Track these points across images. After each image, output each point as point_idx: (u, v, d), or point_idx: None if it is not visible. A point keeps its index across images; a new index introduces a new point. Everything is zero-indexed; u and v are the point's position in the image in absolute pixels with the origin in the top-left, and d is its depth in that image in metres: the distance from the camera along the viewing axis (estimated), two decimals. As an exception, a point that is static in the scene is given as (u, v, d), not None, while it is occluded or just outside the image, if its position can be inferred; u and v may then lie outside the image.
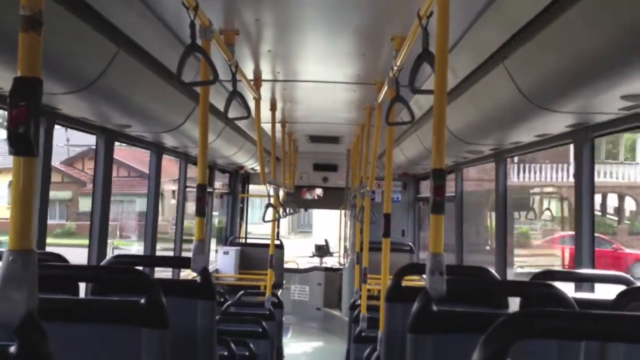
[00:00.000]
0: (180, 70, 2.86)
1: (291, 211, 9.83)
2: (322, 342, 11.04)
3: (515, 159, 23.28)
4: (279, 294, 8.66)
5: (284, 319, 8.85)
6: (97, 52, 3.24)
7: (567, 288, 3.88)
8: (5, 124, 1.44)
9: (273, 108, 6.57)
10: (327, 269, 12.53)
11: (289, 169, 9.70)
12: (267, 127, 7.09)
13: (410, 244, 10.48)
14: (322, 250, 13.88)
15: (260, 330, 5.66)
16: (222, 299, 6.62)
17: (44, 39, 2.71)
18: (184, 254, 6.42)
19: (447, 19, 2.45)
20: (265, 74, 5.28)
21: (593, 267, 4.22)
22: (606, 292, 3.10)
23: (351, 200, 9.14)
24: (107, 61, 3.31)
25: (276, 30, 4.07)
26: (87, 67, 3.25)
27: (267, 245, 6.88)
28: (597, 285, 3.98)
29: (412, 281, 7.54)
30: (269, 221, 6.55)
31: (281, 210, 7.81)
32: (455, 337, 2.24)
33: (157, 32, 3.81)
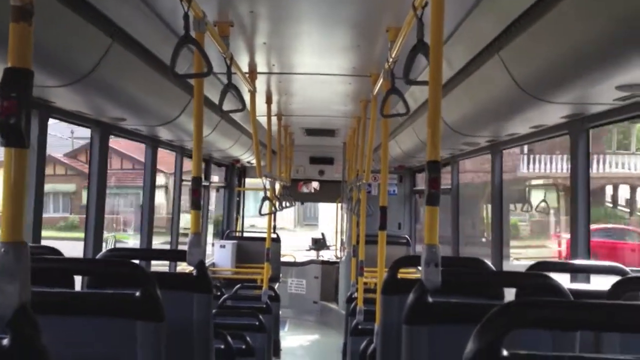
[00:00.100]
0: (174, 62, 2.85)
1: (287, 204, 9.83)
2: (319, 335, 11.06)
3: (525, 149, 23.10)
4: (275, 287, 8.67)
5: (281, 312, 8.87)
6: (91, 45, 3.23)
7: (563, 280, 3.90)
8: None
9: (269, 101, 6.56)
10: (324, 262, 12.54)
11: (285, 162, 9.69)
12: (263, 120, 7.08)
13: (406, 236, 10.48)
14: (319, 244, 13.89)
15: (257, 323, 5.67)
16: (219, 293, 6.63)
17: (37, 31, 2.69)
18: (182, 248, 6.43)
19: (442, 10, 2.44)
20: (261, 67, 5.27)
21: (588, 258, 4.23)
22: (602, 283, 3.10)
23: (347, 193, 9.15)
24: (100, 54, 3.30)
25: (271, 22, 4.05)
26: (80, 59, 3.23)
27: (263, 239, 6.88)
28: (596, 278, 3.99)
29: (408, 273, 7.55)
30: (265, 214, 6.55)
31: (277, 203, 7.81)
32: (451, 328, 2.25)
33: (151, 24, 3.79)
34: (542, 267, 3.12)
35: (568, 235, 4.39)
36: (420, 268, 2.41)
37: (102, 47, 3.28)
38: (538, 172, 23.84)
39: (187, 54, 3.61)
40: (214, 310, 5.50)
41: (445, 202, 7.70)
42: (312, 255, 13.70)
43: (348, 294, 7.75)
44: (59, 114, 4.27)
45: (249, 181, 12.51)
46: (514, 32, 3.16)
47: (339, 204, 12.65)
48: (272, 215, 7.52)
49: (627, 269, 3.16)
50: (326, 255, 13.60)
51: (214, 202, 11.32)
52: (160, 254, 4.79)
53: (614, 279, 2.63)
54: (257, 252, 9.60)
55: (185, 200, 7.85)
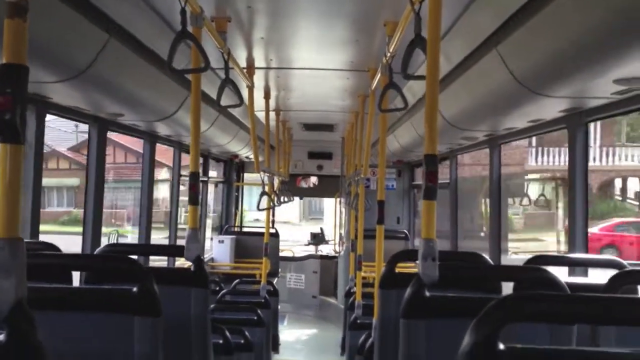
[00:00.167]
0: (171, 57, 2.85)
1: (286, 199, 9.83)
2: (318, 329, 11.08)
3: (533, 142, 22.92)
4: (274, 282, 8.68)
5: (279, 307, 8.89)
6: (88, 40, 3.22)
7: (562, 273, 3.90)
8: None
9: (267, 96, 6.55)
10: (322, 257, 12.54)
11: (283, 157, 9.68)
12: (261, 115, 7.08)
13: (405, 231, 10.49)
14: (318, 239, 13.89)
15: (255, 318, 5.67)
16: (218, 288, 6.64)
17: (34, 27, 2.68)
18: (182, 243, 6.41)
19: (440, 4, 2.44)
20: (258, 62, 5.26)
21: (586, 251, 4.24)
22: (601, 277, 3.10)
23: (346, 188, 9.15)
24: (97, 49, 3.29)
25: (268, 17, 4.04)
26: (77, 55, 3.23)
27: (262, 234, 6.89)
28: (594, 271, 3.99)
29: (407, 268, 7.56)
30: (263, 209, 6.55)
31: (276, 198, 7.81)
32: (448, 322, 2.25)
33: (148, 19, 3.78)
34: (539, 260, 3.12)
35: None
36: (418, 262, 2.41)
37: (99, 42, 3.28)
38: (547, 165, 23.64)
39: (185, 49, 3.60)
40: (212, 305, 5.52)
41: (444, 197, 7.71)
42: (311, 250, 13.70)
43: (347, 288, 7.77)
44: (57, 109, 4.26)
45: (248, 176, 12.51)
46: (511, 26, 3.15)
47: (338, 199, 12.65)
48: (272, 210, 7.53)
49: (625, 262, 3.16)
50: (325, 249, 13.60)
51: (212, 197, 11.32)
52: (158, 250, 4.79)
53: (612, 272, 2.63)
54: (255, 247, 9.60)
55: (185, 195, 7.82)
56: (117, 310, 2.23)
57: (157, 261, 7.36)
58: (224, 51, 3.92)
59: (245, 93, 5.30)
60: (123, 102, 4.37)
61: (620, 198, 23.99)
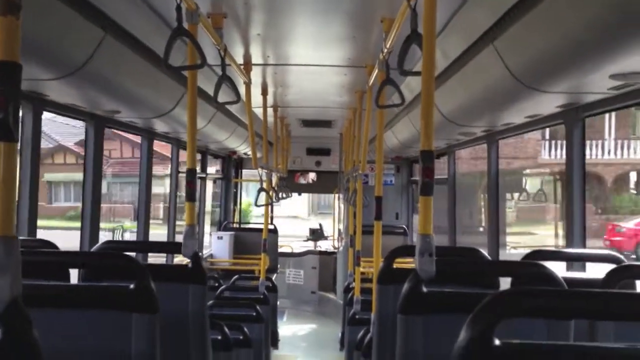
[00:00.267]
0: (167, 54, 2.84)
1: (284, 196, 9.83)
2: (317, 325, 11.09)
3: (547, 135, 22.74)
4: (273, 278, 8.68)
5: (279, 302, 8.89)
6: (84, 38, 3.21)
7: (560, 268, 3.91)
8: None
9: (264, 92, 6.55)
10: (321, 253, 12.56)
11: (281, 153, 9.68)
12: (259, 111, 7.07)
13: (403, 226, 10.50)
14: (317, 234, 13.90)
15: (254, 314, 5.68)
16: (217, 284, 6.64)
17: (29, 25, 2.68)
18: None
19: (435, 0, 2.44)
20: (256, 58, 5.25)
21: (584, 246, 4.24)
22: (600, 271, 3.10)
23: (344, 184, 9.15)
24: (93, 46, 3.28)
25: (265, 13, 4.04)
26: (73, 52, 3.22)
27: (261, 230, 6.89)
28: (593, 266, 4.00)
29: (405, 263, 7.57)
30: (261, 205, 6.55)
31: (274, 194, 7.81)
32: (445, 317, 2.25)
33: (144, 16, 3.78)
34: (537, 255, 3.13)
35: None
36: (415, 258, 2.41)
37: (95, 39, 3.27)
38: (560, 159, 23.44)
39: (181, 46, 3.60)
40: (211, 302, 5.53)
41: (443, 193, 7.72)
42: (310, 245, 13.71)
43: (345, 284, 7.77)
44: (53, 107, 4.26)
45: (247, 173, 12.51)
46: (508, 21, 3.15)
47: (336, 195, 12.65)
48: (271, 207, 7.53)
49: (622, 257, 3.16)
50: (324, 245, 13.62)
51: (210, 193, 11.33)
52: (156, 246, 4.79)
53: (610, 267, 2.63)
54: (254, 243, 9.61)
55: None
56: (114, 308, 2.24)
57: (157, 257, 7.37)
58: (220, 48, 3.92)
59: (242, 90, 5.29)
60: (120, 99, 4.37)
61: (635, 192, 23.82)
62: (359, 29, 4.37)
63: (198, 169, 9.26)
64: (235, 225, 11.70)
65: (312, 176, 12.85)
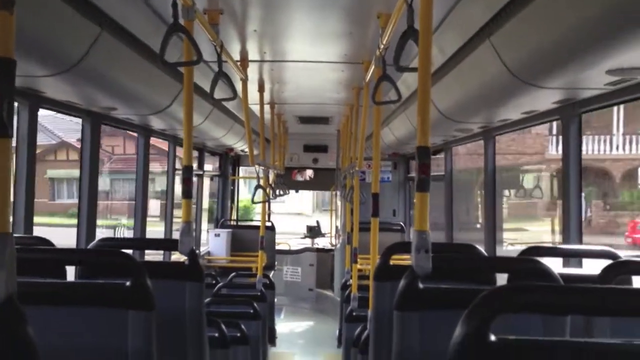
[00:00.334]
0: (163, 50, 2.83)
1: (281, 193, 9.83)
2: (314, 322, 11.10)
3: (554, 130, 22.55)
4: (271, 275, 8.69)
5: (276, 300, 8.89)
6: (80, 34, 3.20)
7: (557, 264, 3.91)
8: None
9: (261, 89, 6.54)
10: (319, 250, 12.56)
11: (278, 150, 9.67)
12: (256, 108, 7.06)
13: (401, 223, 10.50)
14: (314, 232, 13.90)
15: (251, 311, 5.68)
16: (214, 281, 6.64)
17: (25, 21, 2.67)
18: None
19: None
20: (252, 55, 5.24)
21: (581, 242, 4.24)
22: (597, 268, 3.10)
23: (342, 181, 9.14)
24: (89, 43, 3.27)
25: (261, 9, 4.03)
26: (69, 49, 3.21)
27: (258, 227, 6.89)
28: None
29: (402, 260, 7.58)
30: (258, 202, 6.55)
31: (271, 192, 7.81)
32: (441, 314, 2.25)
33: (140, 12, 3.77)
34: (533, 251, 3.13)
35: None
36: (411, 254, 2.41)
37: (91, 36, 3.26)
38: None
39: (178, 42, 3.59)
40: (208, 299, 5.53)
41: (442, 189, 7.72)
42: (308, 243, 13.71)
43: (343, 281, 7.77)
44: (50, 104, 4.25)
45: (244, 170, 12.51)
46: (504, 17, 3.15)
47: (334, 192, 12.65)
48: (268, 204, 7.52)
49: (619, 253, 3.17)
50: (321, 242, 13.62)
51: (207, 190, 11.32)
52: (152, 243, 4.79)
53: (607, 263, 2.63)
54: (251, 240, 9.60)
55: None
56: (110, 305, 2.23)
57: (157, 255, 7.37)
58: (216, 44, 3.91)
59: (239, 86, 5.28)
60: (116, 96, 4.36)
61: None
62: (355, 25, 4.36)
63: (195, 166, 9.26)
64: (232, 222, 11.70)
65: (309, 173, 12.84)
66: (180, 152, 7.40)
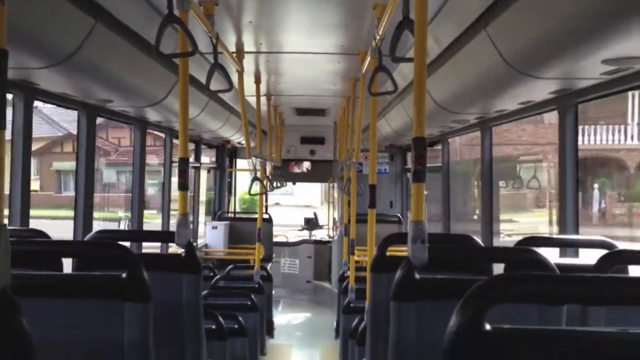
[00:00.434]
0: (158, 41, 2.82)
1: (278, 185, 9.82)
2: (312, 313, 11.12)
3: None
4: (268, 267, 8.70)
5: (274, 292, 8.91)
6: (74, 26, 3.19)
7: (553, 255, 3.92)
8: None
9: (257, 81, 6.52)
10: (316, 242, 12.55)
11: (275, 142, 9.66)
12: (252, 100, 7.05)
13: (398, 214, 10.51)
14: (311, 224, 13.90)
15: (249, 303, 5.69)
16: (212, 274, 6.65)
17: (19, 12, 2.65)
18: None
19: None
20: (248, 46, 5.23)
21: (577, 232, 4.25)
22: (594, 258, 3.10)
23: (339, 172, 9.14)
24: (84, 35, 3.26)
25: (256, 0, 4.01)
26: (63, 40, 3.20)
27: (256, 219, 6.90)
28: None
29: (400, 251, 7.59)
30: (255, 194, 6.55)
31: (268, 184, 7.80)
32: (438, 304, 2.25)
33: (135, 4, 3.75)
34: (530, 242, 3.13)
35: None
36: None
37: (85, 27, 3.25)
38: (581, 145, 22.63)
39: (174, 34, 3.57)
40: (206, 291, 5.53)
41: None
42: (305, 235, 13.72)
43: (340, 272, 7.78)
44: (45, 96, 4.24)
45: (241, 162, 12.50)
46: (500, 7, 3.14)
47: (331, 184, 12.65)
48: (265, 196, 7.53)
49: (616, 243, 3.17)
50: (319, 234, 13.63)
51: (205, 183, 11.32)
52: (149, 236, 4.79)
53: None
54: (249, 232, 9.61)
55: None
56: (106, 297, 2.23)
57: (157, 248, 7.36)
58: (212, 35, 3.89)
59: (235, 78, 5.27)
60: (111, 88, 4.34)
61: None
62: (351, 16, 4.35)
63: (192, 158, 9.25)
64: (230, 214, 11.70)
65: (306, 165, 12.83)
66: (177, 144, 7.41)
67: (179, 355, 3.08)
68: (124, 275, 2.24)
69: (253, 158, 6.16)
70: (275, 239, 11.67)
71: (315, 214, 14.36)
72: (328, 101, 8.56)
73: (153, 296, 2.24)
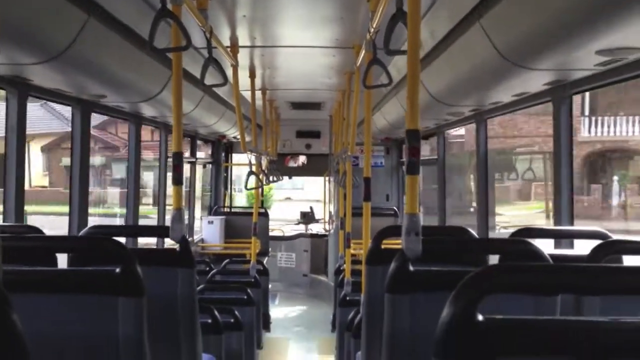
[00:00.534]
0: (152, 36, 2.80)
1: (274, 179, 9.82)
2: (309, 307, 11.14)
3: (586, 111, 21.96)
4: (265, 261, 8.70)
5: (271, 286, 8.91)
6: (66, 21, 3.18)
7: (548, 246, 3.92)
8: None
9: (252, 75, 6.51)
10: (312, 236, 12.57)
11: (271, 136, 9.65)
12: (247, 94, 7.04)
13: (394, 207, 10.52)
14: (307, 217, 13.91)
15: (245, 297, 5.70)
16: (208, 268, 6.65)
17: (11, 8, 2.64)
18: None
19: None
20: (242, 40, 5.21)
21: (572, 224, 4.26)
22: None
23: (334, 166, 9.14)
24: (77, 30, 3.25)
25: None
26: (56, 36, 3.19)
27: (251, 214, 6.90)
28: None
29: (395, 244, 7.58)
30: (251, 189, 6.54)
31: (264, 178, 7.80)
32: (432, 296, 2.26)
33: None
34: (524, 233, 3.14)
35: None
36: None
37: (78, 22, 3.23)
38: (601, 136, 21.78)
39: (167, 29, 3.56)
40: (202, 285, 5.54)
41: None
42: (301, 229, 13.73)
43: (336, 266, 7.79)
44: (39, 92, 4.22)
45: (238, 156, 12.50)
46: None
47: (327, 177, 12.66)
48: (261, 190, 7.52)
49: (610, 233, 3.18)
50: (315, 228, 13.64)
51: (200, 178, 11.32)
52: (144, 231, 4.79)
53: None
54: (245, 227, 9.62)
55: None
56: (100, 292, 2.23)
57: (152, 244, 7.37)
58: (206, 29, 3.88)
59: (229, 72, 5.25)
60: (105, 83, 4.33)
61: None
62: (345, 9, 4.34)
63: (187, 153, 9.25)
64: (226, 209, 11.70)
65: (302, 159, 12.83)
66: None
67: (174, 350, 3.09)
68: (117, 270, 2.24)
69: (248, 152, 6.15)
70: (271, 233, 11.68)
71: (311, 207, 14.36)
72: (323, 95, 8.55)
73: (146, 291, 2.23)
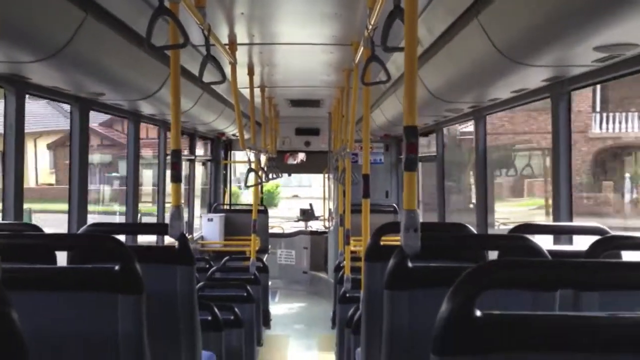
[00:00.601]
0: (149, 34, 2.80)
1: (274, 176, 9.83)
2: (309, 304, 11.15)
3: (597, 107, 21.75)
4: (265, 258, 8.71)
5: (271, 283, 8.92)
6: (64, 19, 3.18)
7: (547, 242, 3.93)
8: None
9: (250, 72, 6.51)
10: (312, 233, 12.58)
11: (270, 134, 9.66)
12: (246, 92, 7.04)
13: (393, 204, 10.52)
14: (307, 215, 13.91)
15: (245, 294, 5.70)
16: (208, 265, 6.66)
17: (9, 6, 2.64)
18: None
19: None
20: (241, 38, 5.21)
21: (571, 220, 4.26)
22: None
23: (334, 163, 9.15)
24: (74, 28, 3.25)
25: None
26: (54, 34, 3.19)
27: (251, 211, 6.90)
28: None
29: (394, 241, 7.59)
30: (250, 186, 6.55)
31: (263, 175, 7.81)
32: (430, 292, 2.26)
33: None
34: (523, 229, 3.14)
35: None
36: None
37: (76, 20, 3.23)
38: (612, 133, 21.66)
39: (165, 26, 3.56)
40: (202, 283, 5.54)
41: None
42: (301, 226, 13.73)
43: (336, 262, 7.80)
44: (37, 90, 4.22)
45: (238, 154, 12.51)
46: (491, -5, 3.13)
47: (326, 175, 12.66)
48: (260, 187, 7.53)
49: (608, 229, 3.18)
50: (315, 225, 13.64)
51: (200, 175, 11.32)
52: (143, 228, 4.79)
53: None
54: (245, 224, 9.62)
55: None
56: (99, 289, 2.23)
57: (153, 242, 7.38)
58: (204, 27, 3.88)
59: (228, 70, 5.25)
60: (103, 81, 4.33)
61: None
62: (343, 6, 4.34)
63: (186, 151, 9.25)
64: (225, 206, 11.71)
65: (301, 156, 12.84)
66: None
67: (174, 347, 3.10)
68: (116, 267, 2.24)
69: (248, 150, 6.16)
70: (271, 231, 11.68)
71: (311, 205, 14.37)
72: (322, 92, 8.55)
73: (146, 288, 2.24)
